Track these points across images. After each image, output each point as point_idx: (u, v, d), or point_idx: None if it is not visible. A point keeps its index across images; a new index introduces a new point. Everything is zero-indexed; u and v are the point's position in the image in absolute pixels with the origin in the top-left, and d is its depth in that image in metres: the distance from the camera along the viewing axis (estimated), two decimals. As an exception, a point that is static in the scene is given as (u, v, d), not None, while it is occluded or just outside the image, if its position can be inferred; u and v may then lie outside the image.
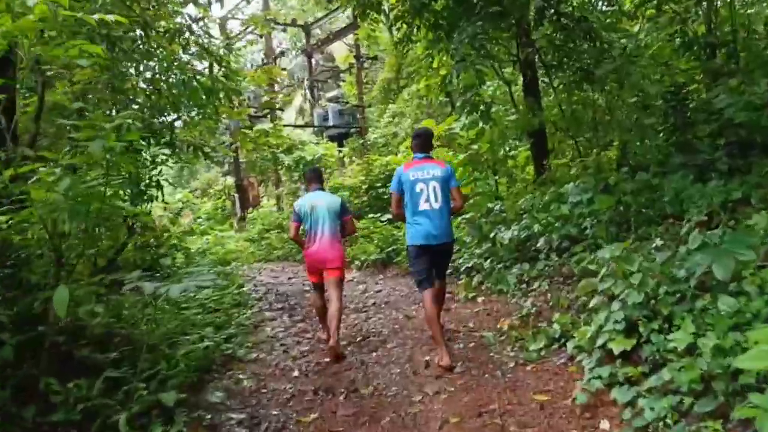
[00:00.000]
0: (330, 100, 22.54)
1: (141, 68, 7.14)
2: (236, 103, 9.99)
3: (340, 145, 21.20)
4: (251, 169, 18.29)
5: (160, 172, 9.32)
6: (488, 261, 6.77)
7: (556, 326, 4.39)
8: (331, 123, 20.95)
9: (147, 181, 8.71)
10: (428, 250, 4.69)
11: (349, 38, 21.29)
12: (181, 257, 9.30)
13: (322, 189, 5.64)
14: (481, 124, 8.87)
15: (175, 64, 7.81)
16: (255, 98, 18.78)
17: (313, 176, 5.70)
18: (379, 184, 13.81)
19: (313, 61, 23.55)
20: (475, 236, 7.55)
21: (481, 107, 8.22)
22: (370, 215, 12.26)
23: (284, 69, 22.17)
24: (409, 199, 4.75)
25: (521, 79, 9.32)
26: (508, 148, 10.60)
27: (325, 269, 5.35)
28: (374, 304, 7.02)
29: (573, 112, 8.44)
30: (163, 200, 9.59)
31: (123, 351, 4.05)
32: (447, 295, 6.75)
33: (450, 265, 7.60)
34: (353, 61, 21.26)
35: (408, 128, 17.40)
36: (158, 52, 7.97)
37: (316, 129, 21.98)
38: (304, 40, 23.27)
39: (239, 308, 6.80)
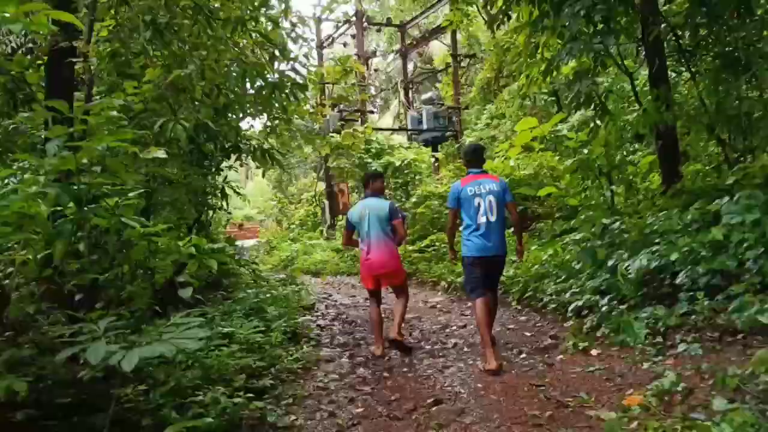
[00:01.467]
0: (425, 102, 21.25)
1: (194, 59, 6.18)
2: (310, 101, 9.00)
3: (435, 149, 19.86)
4: (338, 174, 17.43)
5: (225, 179, 8.49)
6: (606, 298, 5.15)
7: (724, 425, 2.81)
8: (425, 127, 19.62)
9: (211, 189, 7.94)
10: (483, 262, 4.92)
11: (447, 37, 19.98)
12: (246, 274, 8.39)
13: (376, 195, 5.64)
14: (593, 123, 7.25)
15: (231, 51, 6.83)
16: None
17: (366, 182, 5.81)
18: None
19: (410, 63, 22.44)
20: (586, 263, 5.95)
21: (596, 100, 6.64)
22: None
23: (376, 70, 21.20)
24: (466, 213, 4.97)
25: (644, 70, 7.61)
26: (624, 152, 8.80)
27: (380, 277, 5.49)
28: (455, 345, 5.61)
29: (719, 105, 6.60)
30: (227, 210, 8.81)
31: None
32: (550, 342, 5.31)
33: (555, 298, 6.16)
34: (450, 60, 19.90)
35: (508, 131, 15.72)
36: (217, 44, 7.07)
37: (409, 133, 20.77)
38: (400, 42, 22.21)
39: (291, 344, 5.64)
